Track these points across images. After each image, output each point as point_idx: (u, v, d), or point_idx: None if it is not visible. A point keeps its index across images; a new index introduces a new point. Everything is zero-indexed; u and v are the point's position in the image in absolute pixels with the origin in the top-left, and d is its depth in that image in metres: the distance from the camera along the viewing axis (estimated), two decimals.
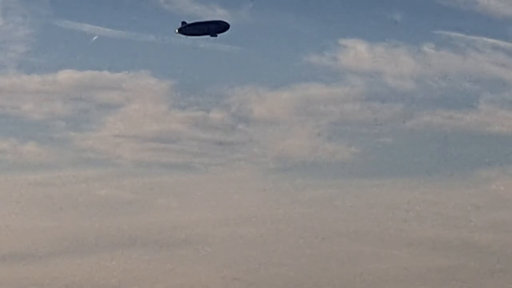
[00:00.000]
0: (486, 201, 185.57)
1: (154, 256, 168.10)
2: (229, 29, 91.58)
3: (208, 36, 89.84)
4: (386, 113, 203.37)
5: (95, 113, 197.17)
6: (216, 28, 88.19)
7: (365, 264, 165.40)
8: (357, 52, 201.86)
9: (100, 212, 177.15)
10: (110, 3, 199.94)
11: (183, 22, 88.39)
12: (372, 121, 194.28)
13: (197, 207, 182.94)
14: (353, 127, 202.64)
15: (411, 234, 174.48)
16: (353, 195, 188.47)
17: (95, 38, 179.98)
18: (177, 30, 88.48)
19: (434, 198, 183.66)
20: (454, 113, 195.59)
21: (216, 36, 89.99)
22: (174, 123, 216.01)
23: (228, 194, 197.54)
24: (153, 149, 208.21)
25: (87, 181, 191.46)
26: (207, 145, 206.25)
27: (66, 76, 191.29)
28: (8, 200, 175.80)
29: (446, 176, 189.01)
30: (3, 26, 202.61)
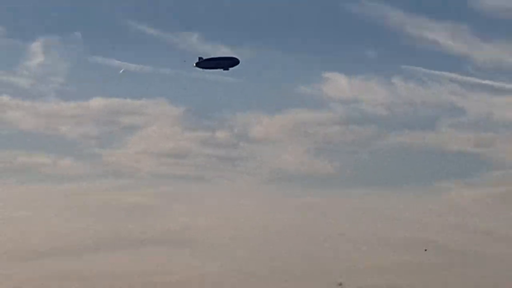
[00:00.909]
0: (444, 208, 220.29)
1: (171, 251, 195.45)
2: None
3: (221, 70, 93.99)
4: (363, 134, 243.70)
5: (120, 133, 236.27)
6: (228, 63, 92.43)
7: (346, 259, 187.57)
8: (337, 84, 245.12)
9: (125, 216, 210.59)
10: (134, 42, 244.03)
11: (200, 58, 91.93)
12: (350, 141, 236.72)
13: (204, 211, 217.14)
14: (335, 145, 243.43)
15: (384, 235, 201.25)
16: (335, 203, 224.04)
17: (121, 71, 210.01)
18: (194, 64, 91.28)
19: (403, 205, 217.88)
20: (418, 134, 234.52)
21: (228, 69, 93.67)
22: (186, 141, 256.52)
23: (230, 201, 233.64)
24: (168, 164, 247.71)
25: (114, 190, 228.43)
26: (213, 160, 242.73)
27: (96, 103, 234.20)
28: (49, 206, 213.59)
29: (412, 187, 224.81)
30: (45, 61, 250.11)
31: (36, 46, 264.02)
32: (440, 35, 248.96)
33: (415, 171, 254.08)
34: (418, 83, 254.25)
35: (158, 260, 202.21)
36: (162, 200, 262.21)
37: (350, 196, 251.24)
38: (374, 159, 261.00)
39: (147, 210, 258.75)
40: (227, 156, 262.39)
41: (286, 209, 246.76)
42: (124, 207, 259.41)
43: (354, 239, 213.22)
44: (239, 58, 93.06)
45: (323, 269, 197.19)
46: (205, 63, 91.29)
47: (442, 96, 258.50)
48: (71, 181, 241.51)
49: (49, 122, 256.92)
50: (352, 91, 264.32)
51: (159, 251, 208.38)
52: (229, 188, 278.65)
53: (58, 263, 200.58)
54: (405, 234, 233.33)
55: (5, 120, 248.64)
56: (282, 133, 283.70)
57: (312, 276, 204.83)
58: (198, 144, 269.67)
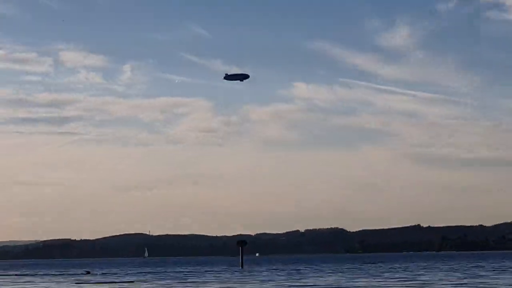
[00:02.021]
0: (360, 161, 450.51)
1: (204, 186, 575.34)
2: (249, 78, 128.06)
3: (238, 81, 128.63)
4: (313, 118, 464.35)
5: (176, 117, 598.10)
6: (242, 77, 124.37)
7: (302, 194, 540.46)
8: (301, 89, 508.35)
9: (179, 165, 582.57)
10: (185, 65, 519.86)
11: (226, 74, 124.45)
12: (308, 122, 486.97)
13: (223, 162, 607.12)
14: (304, 123, 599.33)
15: (326, 178, 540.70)
16: (297, 157, 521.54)
17: (177, 81, 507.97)
18: (223, 77, 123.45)
19: (338, 159, 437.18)
20: (344, 119, 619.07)
21: (242, 81, 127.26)
22: (214, 123, 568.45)
23: (237, 157, 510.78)
24: (203, 135, 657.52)
25: (172, 150, 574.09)
26: (228, 133, 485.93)
27: (163, 100, 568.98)
28: (136, 157, 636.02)
29: (343, 148, 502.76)
30: (132, 76, 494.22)
31: (126, 67, 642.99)
32: (362, 60, 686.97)
33: (345, 138, 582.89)
34: (348, 88, 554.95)
35: (197, 189, 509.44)
36: (199, 156, 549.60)
37: (307, 154, 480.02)
38: (322, 133, 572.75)
39: (191, 161, 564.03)
40: (236, 131, 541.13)
41: (270, 161, 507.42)
42: (177, 160, 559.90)
43: (308, 179, 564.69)
44: (249, 74, 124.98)
45: (290, 200, 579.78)
46: (229, 77, 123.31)
47: (361, 95, 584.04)
48: (148, 145, 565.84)
49: (135, 112, 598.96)
50: (309, 93, 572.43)
51: (197, 186, 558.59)
52: (237, 149, 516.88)
53: (140, 193, 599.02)
54: (338, 176, 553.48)
55: (108, 110, 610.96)
56: (269, 117, 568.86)
57: (282, 196, 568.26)
58: (221, 124, 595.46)
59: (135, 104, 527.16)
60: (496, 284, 69.85)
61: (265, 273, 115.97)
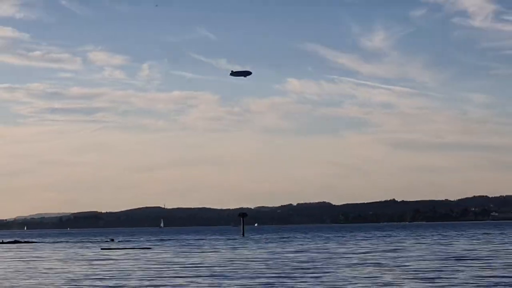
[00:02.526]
0: (345, 150, 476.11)
1: (211, 167, 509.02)
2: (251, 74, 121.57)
3: (243, 77, 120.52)
4: (304, 109, 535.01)
5: (188, 108, 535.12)
6: (246, 73, 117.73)
7: (294, 173, 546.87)
8: (293, 84, 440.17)
9: (188, 148, 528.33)
10: (195, 64, 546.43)
11: (232, 71, 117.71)
12: (298, 112, 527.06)
13: (227, 146, 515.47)
14: (296, 113, 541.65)
15: (314, 159, 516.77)
16: (291, 143, 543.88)
17: (187, 79, 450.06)
18: (230, 73, 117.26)
19: (322, 144, 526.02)
20: (330, 110, 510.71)
21: (246, 76, 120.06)
22: (219, 113, 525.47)
23: (239, 142, 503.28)
24: (210, 123, 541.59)
25: (183, 135, 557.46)
26: (232, 121, 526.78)
27: (176, 93, 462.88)
28: (155, 143, 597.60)
29: (325, 135, 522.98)
30: (149, 73, 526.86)
31: (144, 65, 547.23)
32: (345, 59, 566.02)
33: (331, 126, 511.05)
34: (333, 83, 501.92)
35: (205, 169, 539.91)
36: (207, 140, 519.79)
37: (298, 139, 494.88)
38: (312, 121, 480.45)
39: (200, 145, 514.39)
40: (239, 120, 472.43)
41: (267, 146, 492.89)
42: (188, 144, 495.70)
43: (299, 161, 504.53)
44: (251, 71, 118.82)
45: (283, 173, 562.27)
46: (234, 73, 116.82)
47: (345, 89, 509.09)
48: (164, 131, 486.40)
49: (153, 103, 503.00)
50: (301, 87, 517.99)
51: (205, 166, 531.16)
52: (239, 136, 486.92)
53: (157, 172, 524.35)
54: (325, 158, 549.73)
55: (130, 102, 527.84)
56: (266, 108, 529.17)
57: (277, 175, 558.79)
58: (225, 114, 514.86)
59: (153, 97, 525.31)
60: (457, 245, 70.92)
61: (262, 240, 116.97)
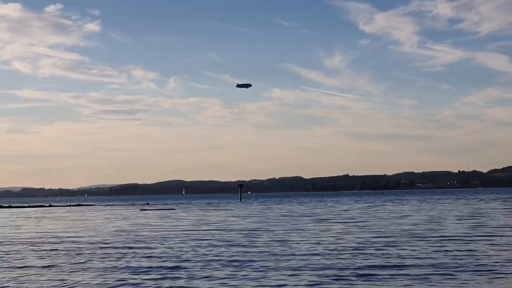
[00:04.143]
0: (313, 139, 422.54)
1: (216, 152, 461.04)
2: (251, 86, 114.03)
3: (245, 88, 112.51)
4: (288, 111, 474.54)
5: (200, 109, 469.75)
6: (248, 85, 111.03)
7: (277, 156, 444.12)
8: (277, 93, 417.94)
9: (199, 138, 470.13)
10: (207, 79, 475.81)
11: (237, 83, 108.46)
12: (282, 111, 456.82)
13: (228, 136, 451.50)
14: (278, 113, 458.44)
15: (294, 145, 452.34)
16: (278, 134, 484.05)
17: (201, 88, 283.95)
18: (236, 85, 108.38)
19: (304, 135, 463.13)
20: (302, 111, 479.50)
21: (248, 88, 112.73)
22: (223, 113, 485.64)
23: (238, 133, 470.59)
24: (216, 120, 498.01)
25: (196, 128, 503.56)
26: (232, 119, 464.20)
27: (192, 99, 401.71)
28: (176, 131, 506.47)
29: (299, 128, 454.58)
30: (174, 86, 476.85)
31: (171, 79, 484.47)
32: (313, 75, 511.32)
33: (303, 122, 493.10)
34: (305, 92, 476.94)
35: (213, 153, 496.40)
36: (214, 133, 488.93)
37: (280, 132, 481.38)
38: (290, 119, 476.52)
39: (209, 136, 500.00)
40: (237, 118, 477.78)
41: (258, 137, 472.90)
42: (201, 135, 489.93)
43: (281, 147, 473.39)
44: (251, 84, 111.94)
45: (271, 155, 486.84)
46: (239, 85, 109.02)
47: (313, 96, 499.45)
48: (184, 126, 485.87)
49: (176, 106, 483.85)
50: (282, 95, 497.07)
51: (213, 151, 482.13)
52: (237, 130, 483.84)
53: (179, 155, 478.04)
54: (299, 145, 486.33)
55: (160, 105, 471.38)
56: (257, 110, 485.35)
57: (265, 157, 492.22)
58: (227, 114, 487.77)
59: (176, 102, 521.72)
60: (385, 207, 72.23)
61: (254, 203, 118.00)
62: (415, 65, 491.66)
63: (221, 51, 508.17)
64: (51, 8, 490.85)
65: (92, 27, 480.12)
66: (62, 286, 16.63)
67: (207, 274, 18.06)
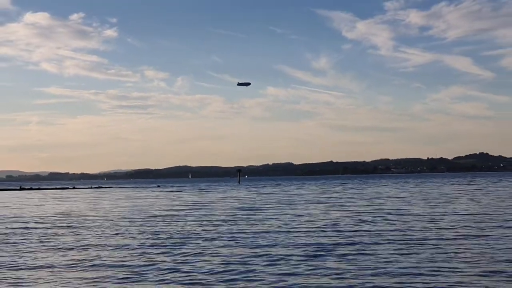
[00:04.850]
0: (296, 130, 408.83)
1: (219, 140, 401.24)
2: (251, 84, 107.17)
3: (245, 86, 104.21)
4: (285, 106, 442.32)
5: (204, 105, 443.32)
6: (247, 83, 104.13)
7: (271, 144, 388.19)
8: (271, 90, 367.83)
9: (204, 131, 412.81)
10: (211, 78, 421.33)
11: (238, 82, 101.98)
12: (275, 107, 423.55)
13: (229, 128, 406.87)
14: (272, 108, 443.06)
15: (287, 135, 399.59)
16: (272, 126, 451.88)
17: (205, 86, 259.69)
18: (237, 84, 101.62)
19: (294, 127, 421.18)
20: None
21: (248, 86, 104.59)
22: (225, 107, 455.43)
23: (238, 124, 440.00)
24: (218, 114, 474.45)
25: (202, 121, 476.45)
26: (233, 113, 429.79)
27: (197, 96, 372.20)
28: (180, 122, 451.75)
29: (289, 121, 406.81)
30: (182, 83, 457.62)
31: (178, 79, 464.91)
32: (302, 75, 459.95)
33: (294, 116, 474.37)
34: (296, 90, 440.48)
35: (216, 142, 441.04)
36: (217, 125, 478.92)
37: (274, 124, 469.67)
38: (282, 113, 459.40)
39: (213, 128, 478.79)
40: (236, 112, 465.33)
41: (254, 128, 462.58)
42: (205, 127, 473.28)
43: (274, 138, 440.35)
44: (251, 82, 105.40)
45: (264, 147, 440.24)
46: (240, 84, 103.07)
47: (302, 94, 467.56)
48: (190, 119, 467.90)
49: (184, 102, 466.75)
50: (275, 92, 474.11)
51: (216, 140, 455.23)
52: (237, 122, 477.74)
53: (186, 143, 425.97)
54: (290, 136, 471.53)
55: (169, 101, 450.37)
56: (254, 105, 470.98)
57: (260, 146, 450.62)
58: (228, 108, 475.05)
59: (183, 98, 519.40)
60: (367, 190, 72.39)
61: (252, 186, 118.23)
62: (391, 66, 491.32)
63: (222, 54, 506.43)
64: (74, 17, 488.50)
65: (111, 33, 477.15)
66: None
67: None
